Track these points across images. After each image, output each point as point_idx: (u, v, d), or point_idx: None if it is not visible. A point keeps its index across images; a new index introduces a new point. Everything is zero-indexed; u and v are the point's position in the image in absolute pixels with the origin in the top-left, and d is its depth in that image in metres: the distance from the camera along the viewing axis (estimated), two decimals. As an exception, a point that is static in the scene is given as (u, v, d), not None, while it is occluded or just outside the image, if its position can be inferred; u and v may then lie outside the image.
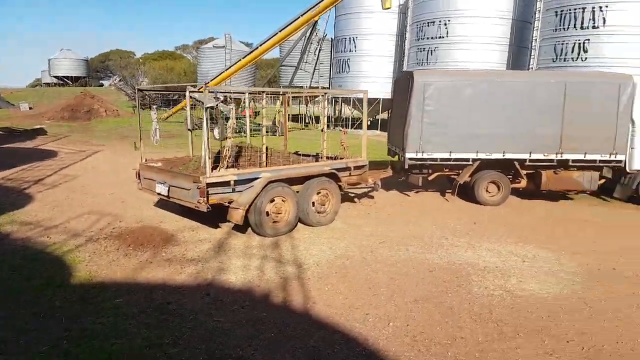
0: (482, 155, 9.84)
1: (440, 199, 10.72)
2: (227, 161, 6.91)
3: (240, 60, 23.51)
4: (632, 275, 6.14)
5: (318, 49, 29.24)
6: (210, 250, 6.57)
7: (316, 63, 29.46)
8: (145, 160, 8.26)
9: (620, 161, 9.85)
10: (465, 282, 5.76)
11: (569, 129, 9.58)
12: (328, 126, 9.53)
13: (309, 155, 9.57)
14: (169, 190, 7.20)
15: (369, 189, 10.50)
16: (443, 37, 21.92)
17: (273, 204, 7.24)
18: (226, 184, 6.74)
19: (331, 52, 30.44)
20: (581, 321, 4.81)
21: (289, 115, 33.12)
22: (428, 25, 22.20)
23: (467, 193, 10.37)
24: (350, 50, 27.05)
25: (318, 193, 7.86)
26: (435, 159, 9.91)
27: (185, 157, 8.71)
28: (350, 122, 27.79)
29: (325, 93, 9.02)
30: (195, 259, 6.23)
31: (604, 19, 16.95)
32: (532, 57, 19.42)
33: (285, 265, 6.14)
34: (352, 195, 10.58)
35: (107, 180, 11.42)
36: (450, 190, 10.66)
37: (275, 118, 22.47)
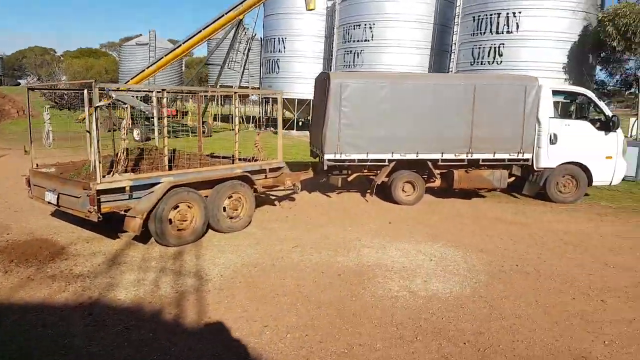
0: (397, 156, 9.95)
1: (360, 200, 10.74)
2: (122, 165, 6.39)
3: (162, 58, 22.48)
4: (532, 271, 6.34)
5: (247, 48, 28.70)
6: (102, 264, 6.04)
7: (245, 62, 28.90)
8: (37, 166, 7.51)
9: (527, 160, 10.33)
10: (371, 285, 5.67)
11: (478, 129, 9.90)
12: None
13: (224, 157, 9.19)
14: (58, 199, 6.55)
15: (290, 192, 10.30)
16: (369, 40, 22.23)
17: (177, 211, 6.80)
18: (121, 190, 6.23)
19: (261, 52, 30.02)
20: (480, 320, 4.85)
21: (219, 115, 32.38)
22: (354, 28, 22.42)
23: (386, 193, 10.46)
24: (279, 51, 26.79)
25: (230, 197, 7.51)
26: (353, 160, 9.89)
27: (80, 162, 8.01)
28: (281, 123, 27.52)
29: (235, 92, 8.67)
30: (83, 274, 5.67)
31: (517, 24, 17.90)
32: (451, 60, 20.17)
33: (185, 277, 5.75)
34: (274, 197, 10.33)
35: (4, 188, 10.39)
36: (370, 191, 10.70)
37: (201, 118, 21.69)
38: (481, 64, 18.64)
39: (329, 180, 10.43)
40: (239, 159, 8.54)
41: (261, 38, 30.05)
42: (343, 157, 9.78)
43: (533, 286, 5.80)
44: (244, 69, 28.86)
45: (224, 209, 7.41)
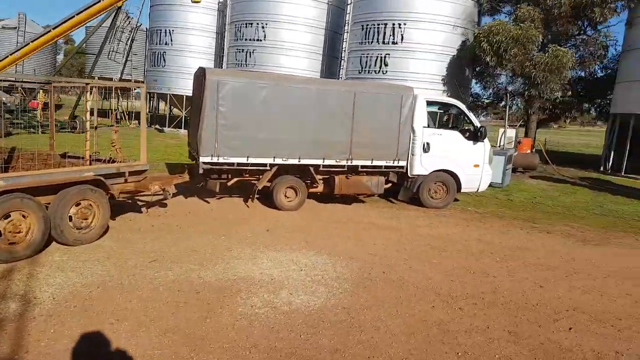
0: (279, 161, 9.65)
1: (242, 206, 10.25)
2: None
3: (28, 44, 19.89)
4: (397, 278, 6.36)
5: (130, 38, 26.71)
6: None
7: (128, 54, 26.86)
8: None
9: (402, 167, 10.65)
10: (231, 302, 5.23)
11: (357, 136, 9.97)
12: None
13: (78, 158, 8.12)
14: None
15: (161, 197, 9.47)
16: (261, 40, 21.83)
17: (8, 221, 5.76)
18: None
19: (146, 43, 28.10)
20: (339, 335, 4.65)
21: (95, 109, 29.68)
22: (246, 27, 21.88)
23: (268, 198, 10.11)
24: (166, 43, 25.28)
25: (77, 205, 6.56)
26: (232, 164, 9.38)
27: None
28: (167, 120, 25.98)
29: (88, 84, 7.70)
30: None
31: (402, 35, 18.70)
32: (341, 67, 20.53)
33: (9, 301, 4.83)
34: (142, 204, 9.43)
35: None
36: (251, 196, 10.27)
37: (72, 112, 19.64)
38: (369, 72, 19.19)
39: (207, 185, 9.80)
40: (94, 160, 7.58)
41: (147, 29, 28.15)
42: (221, 160, 9.22)
43: (396, 294, 5.78)
44: (127, 60, 26.80)
45: (70, 218, 6.45)
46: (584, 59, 20.18)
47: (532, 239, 8.83)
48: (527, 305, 5.67)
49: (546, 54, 17.09)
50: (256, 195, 10.06)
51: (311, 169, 9.98)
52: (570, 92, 21.92)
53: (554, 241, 8.76)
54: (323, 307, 5.27)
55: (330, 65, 22.03)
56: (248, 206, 10.19)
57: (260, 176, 9.90)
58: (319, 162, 9.91)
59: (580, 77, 22.82)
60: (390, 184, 11.14)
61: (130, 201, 9.22)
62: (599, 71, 22.88)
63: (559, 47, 17.18)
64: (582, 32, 20.34)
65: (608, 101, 21.79)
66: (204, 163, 9.15)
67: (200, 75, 9.33)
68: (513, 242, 8.60)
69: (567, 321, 5.26)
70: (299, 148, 9.70)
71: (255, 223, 8.83)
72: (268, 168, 9.68)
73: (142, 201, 9.51)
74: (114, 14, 21.27)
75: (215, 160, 9.18)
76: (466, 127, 11.41)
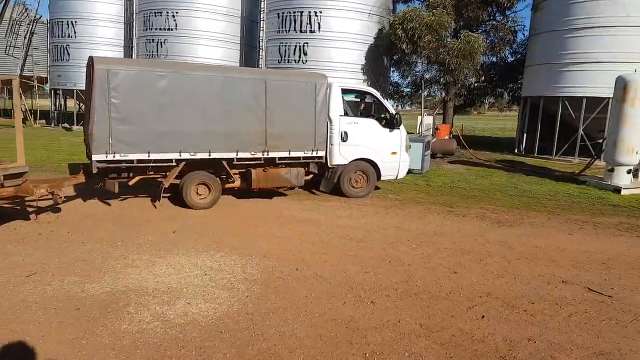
0: (186, 156, 8.93)
1: (148, 206, 9.41)
2: None
3: None
4: (311, 275, 5.97)
5: (29, 31, 24.31)
6: None
7: (28, 48, 24.44)
8: None
9: (321, 157, 10.30)
10: (117, 318, 4.56)
11: (272, 127, 9.47)
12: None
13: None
14: None
15: (52, 202, 8.43)
16: (172, 30, 20.66)
17: None
18: None
19: (47, 36, 25.71)
20: (237, 347, 4.15)
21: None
22: (155, 15, 20.60)
23: (180, 197, 9.36)
24: (69, 36, 23.28)
25: None
26: (131, 161, 8.53)
27: None
28: (75, 117, 23.96)
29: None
30: None
31: (319, 24, 18.39)
32: (260, 57, 19.88)
33: None
34: (31, 210, 8.36)
35: None
36: (165, 195, 9.45)
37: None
38: (288, 62, 18.73)
39: (105, 185, 8.86)
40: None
41: (47, 20, 25.74)
42: (117, 157, 8.35)
43: (307, 293, 5.38)
44: (27, 55, 24.38)
45: None
46: (494, 45, 21.00)
47: (448, 224, 8.83)
48: (441, 294, 5.49)
49: (459, 40, 17.52)
50: (164, 195, 9.28)
51: (224, 163, 9.35)
52: (483, 78, 22.80)
53: (470, 224, 8.81)
54: (224, 315, 4.75)
55: (249, 55, 21.31)
56: (155, 206, 9.38)
57: (167, 173, 9.14)
58: (233, 155, 9.30)
59: (492, 62, 23.83)
60: (311, 175, 10.78)
61: (19, 207, 8.17)
62: (509, 56, 24.03)
63: (470, 33, 17.68)
64: (491, 17, 21.14)
65: (519, 85, 22.91)
66: (97, 161, 8.24)
67: (90, 65, 8.38)
68: (430, 227, 8.53)
69: (481, 308, 5.12)
70: (208, 141, 9.03)
71: (161, 225, 8.09)
72: (174, 164, 8.94)
73: (32, 207, 8.45)
74: (3, 4, 19.12)
75: (110, 157, 8.29)
76: (382, 116, 11.27)
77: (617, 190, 12.26)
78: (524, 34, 22.12)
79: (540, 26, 19.43)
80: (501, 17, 21.15)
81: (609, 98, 13.56)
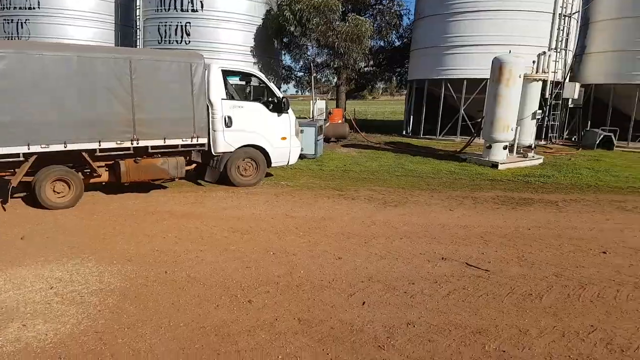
0: (37, 148, 7.66)
1: (-6, 210, 8.00)
2: None
3: None
4: (182, 277, 5.32)
5: None
6: None
7: None
8: None
9: (203, 145, 9.51)
10: None
11: (141, 112, 8.49)
12: None
13: None
14: None
15: None
16: (35, 9, 18.18)
17: None
18: None
19: None
20: (78, 376, 3.43)
21: None
22: (13, -7, 17.92)
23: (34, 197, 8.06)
24: None
25: None
26: (-36, 158, 7.12)
27: None
28: None
29: None
30: None
31: (201, 3, 17.25)
32: (138, 37, 18.24)
33: None
34: None
35: None
36: (16, 196, 8.08)
37: None
38: (169, 42, 17.40)
39: None
40: None
41: None
42: (-56, 154, 6.90)
43: (175, 300, 4.73)
44: None
45: None
46: (381, 29, 21.41)
47: (337, 208, 8.63)
48: (323, 283, 5.17)
49: (347, 24, 17.50)
50: (14, 195, 7.93)
51: (85, 154, 8.20)
52: (372, 62, 23.24)
53: (358, 207, 8.68)
54: (66, 337, 3.96)
55: (126, 36, 19.46)
56: (5, 209, 8.00)
57: (16, 170, 7.80)
58: (94, 145, 8.18)
59: (381, 47, 24.38)
60: (194, 165, 9.95)
61: None
62: (396, 40, 24.74)
63: (358, 17, 17.77)
64: (378, 1, 21.51)
65: (406, 69, 23.70)
66: None
67: None
68: (319, 213, 8.25)
69: (362, 294, 4.88)
70: (62, 131, 7.82)
71: (6, 230, 6.84)
72: (22, 159, 7.63)
73: None
74: None
75: None
76: (270, 100, 10.74)
77: (495, 165, 13.07)
78: (409, 19, 22.87)
79: (424, 11, 20.13)
80: (387, 1, 21.62)
81: (487, 79, 14.31)
